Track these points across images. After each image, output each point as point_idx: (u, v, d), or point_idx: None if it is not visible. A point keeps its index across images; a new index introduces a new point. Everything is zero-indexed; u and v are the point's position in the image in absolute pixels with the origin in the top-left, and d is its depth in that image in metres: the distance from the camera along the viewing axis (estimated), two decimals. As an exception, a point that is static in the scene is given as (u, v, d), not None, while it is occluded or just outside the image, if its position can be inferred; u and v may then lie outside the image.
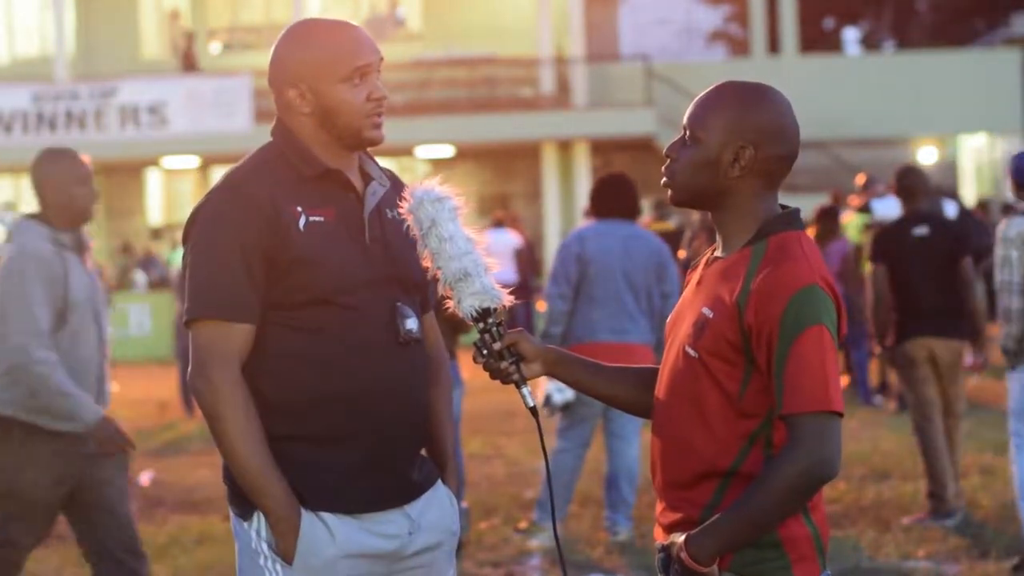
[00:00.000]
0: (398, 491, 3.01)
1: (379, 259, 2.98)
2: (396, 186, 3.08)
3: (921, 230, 7.73)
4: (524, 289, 19.53)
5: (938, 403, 7.66)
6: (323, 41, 2.96)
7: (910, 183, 7.80)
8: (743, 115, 2.67)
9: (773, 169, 2.70)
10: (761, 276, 2.60)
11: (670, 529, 2.69)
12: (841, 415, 2.57)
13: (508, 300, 2.83)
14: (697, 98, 2.74)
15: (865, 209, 12.72)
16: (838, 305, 2.63)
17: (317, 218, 2.94)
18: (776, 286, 2.58)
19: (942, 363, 7.64)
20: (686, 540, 2.60)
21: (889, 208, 12.07)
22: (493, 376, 2.86)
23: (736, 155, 2.67)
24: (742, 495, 2.58)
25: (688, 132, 2.72)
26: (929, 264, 7.68)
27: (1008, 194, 25.09)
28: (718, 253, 2.75)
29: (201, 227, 2.94)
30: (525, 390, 2.85)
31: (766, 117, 2.68)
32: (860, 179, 14.05)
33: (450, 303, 2.83)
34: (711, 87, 2.75)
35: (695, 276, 2.80)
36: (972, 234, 7.54)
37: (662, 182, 2.78)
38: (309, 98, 2.96)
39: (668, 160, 2.75)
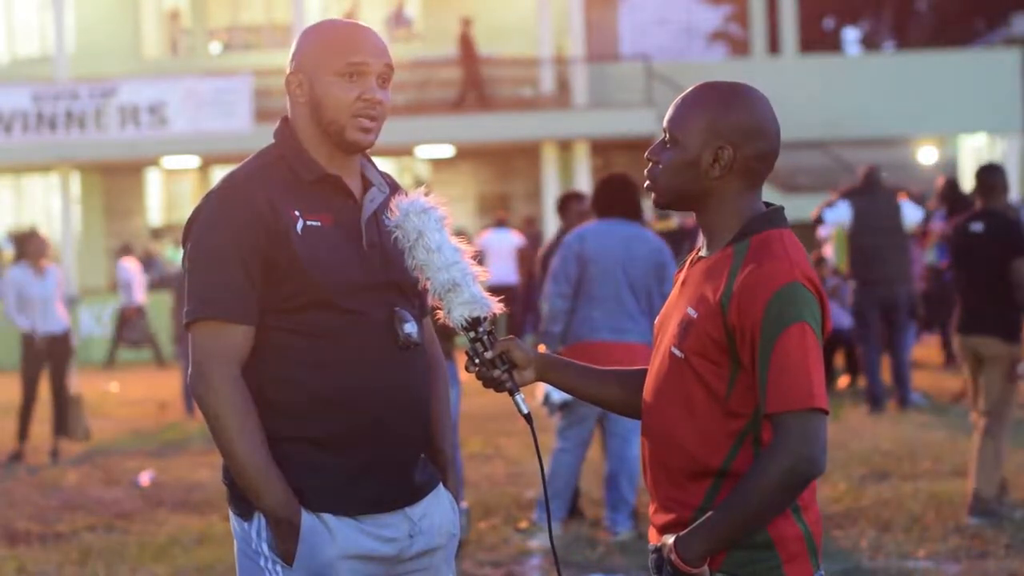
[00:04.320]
0: (400, 493, 3.01)
1: (377, 264, 2.99)
2: (396, 192, 3.08)
3: (976, 227, 7.71)
4: (526, 289, 19.54)
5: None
6: (328, 34, 3.00)
7: (992, 181, 7.78)
8: (721, 115, 2.68)
9: (754, 168, 2.70)
10: (743, 275, 2.60)
11: (663, 530, 2.69)
12: (826, 412, 2.57)
13: (498, 308, 2.84)
14: (676, 100, 2.75)
15: (819, 220, 12.86)
16: (822, 302, 2.63)
17: (315, 223, 2.94)
18: (758, 284, 2.58)
19: (986, 360, 7.61)
20: (675, 542, 2.61)
21: (840, 215, 12.09)
22: (486, 384, 2.87)
23: (716, 156, 2.68)
24: (729, 495, 2.59)
25: (668, 134, 2.72)
26: (980, 261, 7.66)
27: (1012, 194, 25.10)
28: (702, 253, 2.76)
29: (199, 229, 2.95)
30: (519, 397, 2.85)
31: (744, 116, 2.68)
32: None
33: (440, 313, 2.84)
34: (689, 88, 2.75)
35: (680, 276, 2.81)
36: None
37: (644, 185, 2.78)
38: (305, 87, 2.99)
39: (650, 163, 2.75)
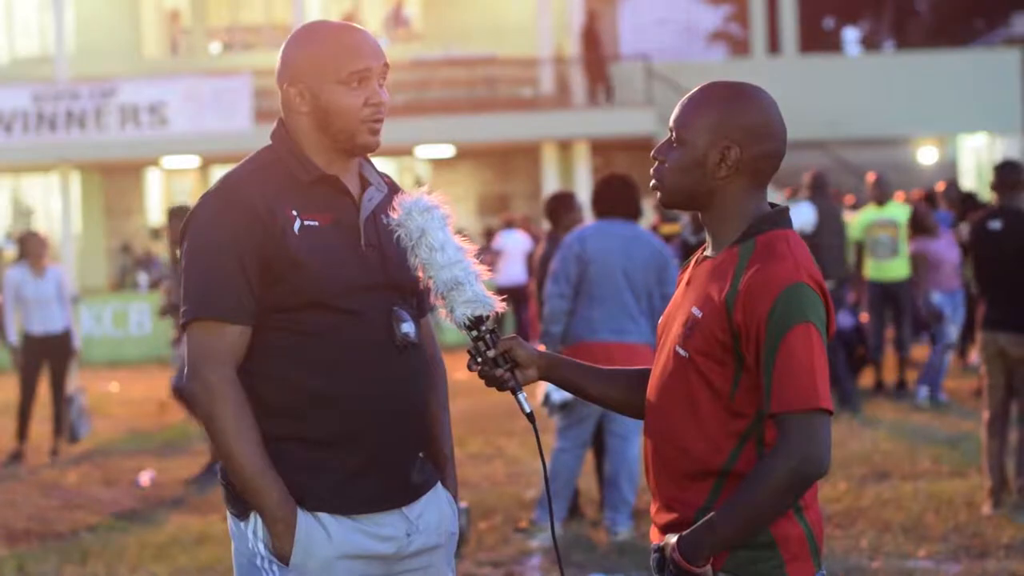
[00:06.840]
0: (397, 493, 3.01)
1: (375, 264, 2.98)
2: (394, 192, 3.08)
3: (995, 224, 7.73)
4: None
5: (1003, 397, 7.67)
6: (325, 41, 2.98)
7: (1011, 178, 7.78)
8: (727, 115, 2.68)
9: (760, 168, 2.71)
10: (748, 275, 2.61)
11: (665, 529, 2.69)
12: (830, 412, 2.57)
13: (500, 307, 2.84)
14: (682, 100, 2.75)
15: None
16: (827, 303, 2.63)
17: (312, 222, 2.94)
18: (763, 284, 2.58)
19: (1011, 358, 7.61)
20: (678, 541, 2.61)
21: (801, 215, 12.14)
22: (488, 383, 2.87)
23: (722, 155, 2.68)
24: (733, 495, 2.59)
25: (674, 134, 2.72)
26: (1001, 258, 7.67)
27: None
28: (707, 253, 2.76)
29: (196, 229, 2.95)
30: (521, 396, 2.85)
31: (750, 116, 2.69)
32: (870, 177, 14.09)
33: (443, 312, 2.84)
34: (696, 88, 2.75)
35: (684, 276, 2.81)
36: None
37: (651, 185, 2.78)
38: (307, 97, 2.97)
39: (656, 163, 2.76)
